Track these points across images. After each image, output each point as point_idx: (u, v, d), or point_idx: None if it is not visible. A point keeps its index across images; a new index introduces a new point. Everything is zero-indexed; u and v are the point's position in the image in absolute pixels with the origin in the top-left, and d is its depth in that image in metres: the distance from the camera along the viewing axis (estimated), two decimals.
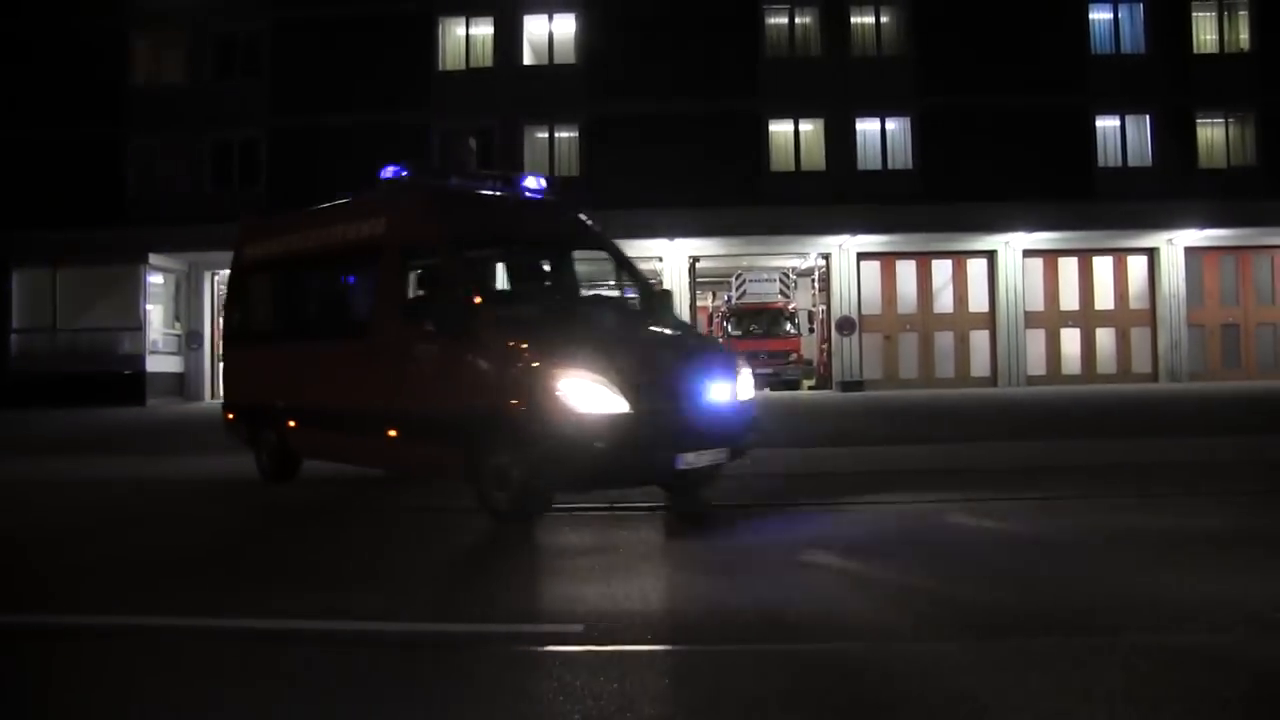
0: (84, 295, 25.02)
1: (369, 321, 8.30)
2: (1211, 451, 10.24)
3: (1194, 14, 27.08)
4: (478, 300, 7.43)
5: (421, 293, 8.34)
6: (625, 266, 8.76)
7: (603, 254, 8.86)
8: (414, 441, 7.69)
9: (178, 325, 26.53)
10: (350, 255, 8.83)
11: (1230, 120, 27.07)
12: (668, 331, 8.14)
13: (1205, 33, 27.30)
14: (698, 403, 7.04)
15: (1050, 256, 26.33)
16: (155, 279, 25.58)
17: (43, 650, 4.35)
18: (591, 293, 9.54)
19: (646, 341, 7.73)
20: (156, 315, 25.62)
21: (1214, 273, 26.42)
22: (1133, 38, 27.30)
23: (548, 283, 8.97)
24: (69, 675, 3.95)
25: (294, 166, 26.07)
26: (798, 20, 27.30)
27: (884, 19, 27.33)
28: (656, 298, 8.57)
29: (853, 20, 27.20)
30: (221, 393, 11.32)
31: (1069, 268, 26.53)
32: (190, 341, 26.48)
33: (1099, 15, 27.22)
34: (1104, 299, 26.51)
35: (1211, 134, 27.19)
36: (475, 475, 7.02)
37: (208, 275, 26.92)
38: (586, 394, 6.55)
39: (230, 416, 10.43)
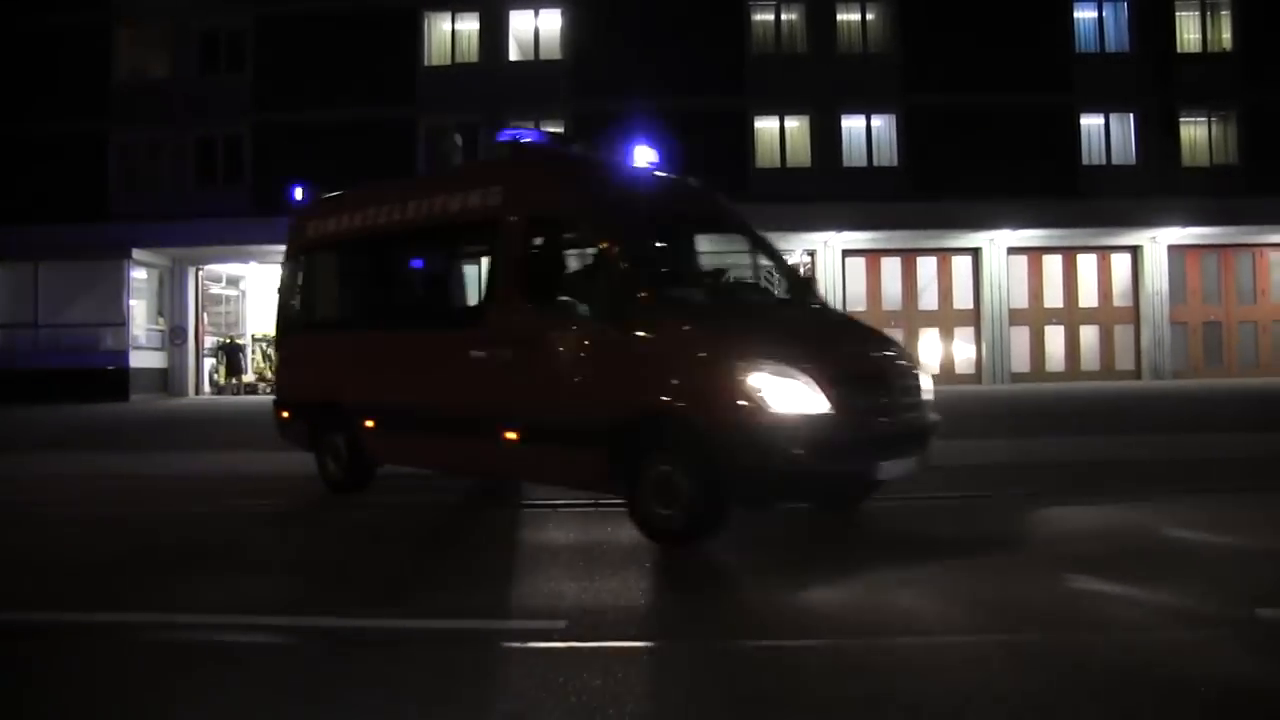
0: (67, 291, 24.92)
1: (482, 305, 7.25)
2: None
3: (1177, 13, 27.25)
4: (640, 281, 6.32)
5: (557, 272, 7.04)
6: (766, 250, 7.71)
7: (739, 236, 7.83)
8: (543, 446, 6.54)
9: (161, 321, 26.43)
10: (453, 230, 7.70)
11: (1213, 119, 27.25)
12: (843, 322, 7.25)
13: (1188, 32, 27.46)
14: (894, 403, 6.14)
15: (1035, 254, 26.45)
16: (138, 274, 25.48)
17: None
18: (740, 278, 8.26)
19: (829, 332, 6.75)
20: (140, 311, 25.54)
21: (1196, 271, 26.58)
22: (1117, 37, 27.44)
23: (688, 264, 7.76)
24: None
25: (278, 162, 25.95)
26: (784, 17, 27.36)
27: (870, 16, 27.39)
28: (805, 285, 7.52)
29: (839, 18, 27.25)
30: (274, 389, 10.08)
31: (1053, 265, 26.66)
32: (174, 337, 26.40)
33: (1084, 14, 27.36)
34: (1088, 296, 26.65)
35: (1194, 132, 27.36)
36: (629, 486, 5.98)
37: (191, 270, 26.87)
38: (783, 391, 5.51)
39: (285, 415, 9.12)
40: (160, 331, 26.32)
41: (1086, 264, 26.66)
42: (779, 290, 7.66)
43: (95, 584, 5.32)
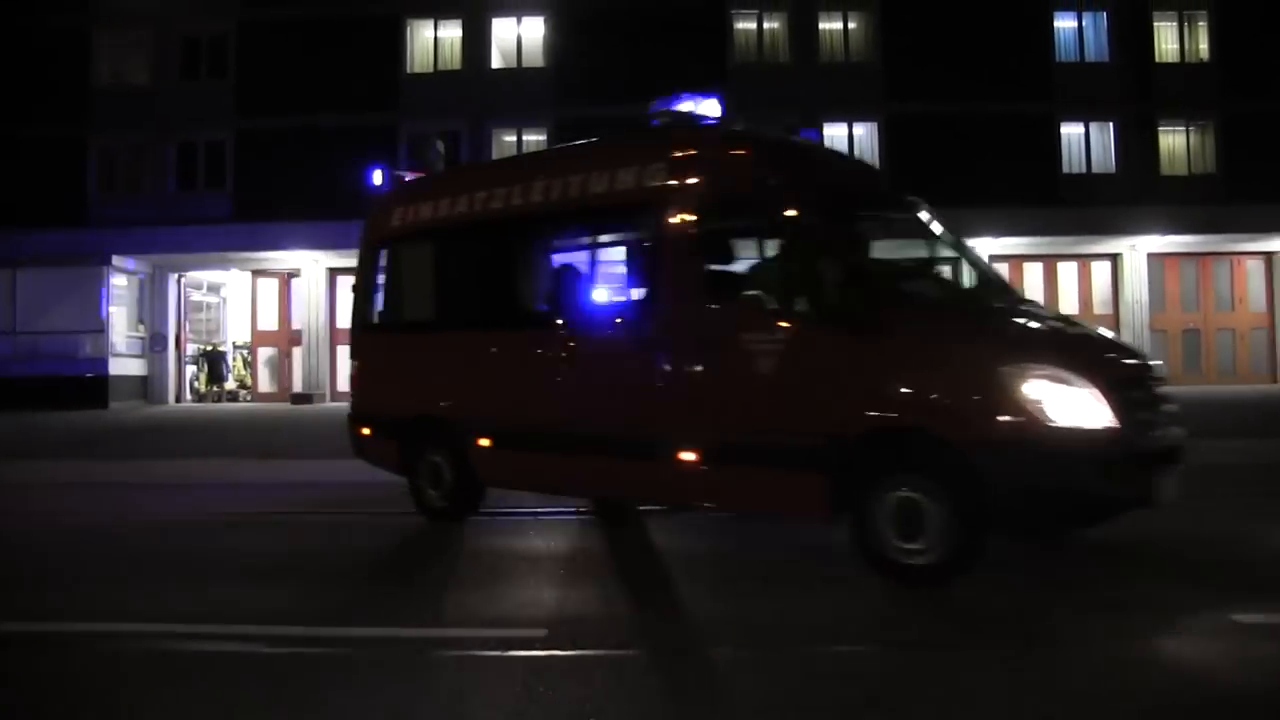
0: (45, 297, 24.67)
1: (645, 301, 6.31)
2: None
3: (1156, 23, 27.45)
4: (864, 273, 5.62)
5: (742, 263, 6.29)
6: (959, 244, 6.82)
7: (930, 224, 6.81)
8: (734, 468, 5.64)
9: (141, 328, 26.21)
10: (596, 214, 6.78)
11: (1191, 128, 27.45)
12: (1071, 322, 6.45)
13: (1166, 42, 27.68)
14: (1159, 414, 5.40)
15: (1015, 262, 26.52)
16: (118, 281, 25.27)
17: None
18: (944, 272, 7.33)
19: (1074, 333, 6.01)
20: (119, 317, 25.30)
21: (1175, 278, 26.76)
22: (1097, 46, 27.63)
23: (890, 255, 6.96)
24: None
25: (260, 169, 25.87)
26: (766, 25, 27.45)
27: (852, 25, 27.52)
28: (1001, 282, 6.69)
29: (821, 26, 27.36)
30: (350, 399, 8.75)
31: (1034, 273, 26.77)
32: (154, 344, 26.18)
33: (1064, 23, 27.52)
34: (1068, 304, 26.67)
35: (1173, 141, 27.57)
36: (855, 514, 5.22)
37: (172, 277, 26.66)
38: (1066, 401, 4.79)
39: (365, 431, 8.05)
40: (140, 338, 26.10)
41: (1067, 272, 26.81)
42: (980, 287, 6.63)
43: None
